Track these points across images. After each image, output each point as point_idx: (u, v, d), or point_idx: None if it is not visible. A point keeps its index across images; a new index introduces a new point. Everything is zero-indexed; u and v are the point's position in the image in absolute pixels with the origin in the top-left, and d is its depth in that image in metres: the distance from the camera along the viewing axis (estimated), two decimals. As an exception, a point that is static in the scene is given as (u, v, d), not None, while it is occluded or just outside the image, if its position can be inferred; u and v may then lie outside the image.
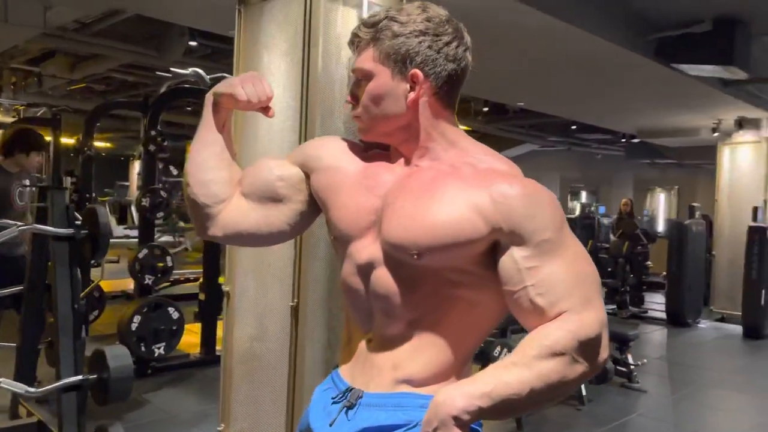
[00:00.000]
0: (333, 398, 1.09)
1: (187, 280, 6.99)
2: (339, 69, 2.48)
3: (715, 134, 8.14)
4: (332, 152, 1.17)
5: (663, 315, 7.61)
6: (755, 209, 7.28)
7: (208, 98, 1.17)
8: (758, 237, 6.88)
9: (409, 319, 1.03)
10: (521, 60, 5.47)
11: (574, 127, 10.94)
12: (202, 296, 4.90)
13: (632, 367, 4.80)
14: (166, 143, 4.93)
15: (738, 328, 7.21)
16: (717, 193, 8.10)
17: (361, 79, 1.10)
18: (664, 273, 7.85)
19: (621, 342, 4.81)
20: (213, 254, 4.74)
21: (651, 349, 6.35)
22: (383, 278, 1.05)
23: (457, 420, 0.90)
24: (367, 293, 1.07)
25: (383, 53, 1.07)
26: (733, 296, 7.77)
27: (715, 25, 4.69)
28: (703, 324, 7.49)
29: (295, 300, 2.75)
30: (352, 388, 1.07)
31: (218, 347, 4.22)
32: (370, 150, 1.18)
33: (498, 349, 3.83)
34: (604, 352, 0.98)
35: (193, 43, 6.26)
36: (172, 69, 3.29)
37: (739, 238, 7.66)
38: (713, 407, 4.61)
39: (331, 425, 1.06)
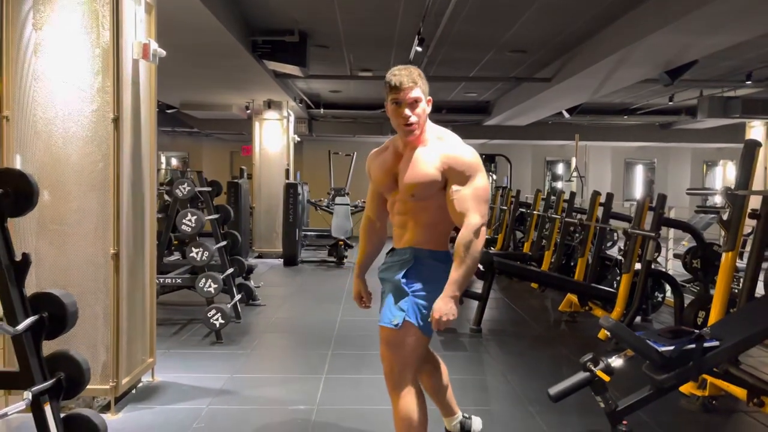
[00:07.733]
0: (387, 253, 2.42)
1: None
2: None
3: (248, 111, 10.25)
4: (370, 164, 2.46)
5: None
6: (294, 171, 9.72)
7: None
8: (292, 191, 9.29)
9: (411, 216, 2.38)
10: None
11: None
12: None
13: (255, 288, 6.37)
14: None
15: (277, 261, 9.59)
16: (254, 158, 10.27)
17: (413, 102, 2.22)
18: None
19: (248, 272, 6.30)
20: None
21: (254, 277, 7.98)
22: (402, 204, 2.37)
23: (453, 299, 2.16)
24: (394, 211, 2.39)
25: (422, 90, 2.24)
26: (270, 238, 10.19)
27: (300, 36, 6.54)
28: (251, 260, 9.58)
29: (116, 248, 3.25)
30: (393, 248, 2.39)
31: None
32: (385, 151, 2.41)
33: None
34: (482, 229, 2.23)
35: None
36: None
37: (273, 193, 10.06)
38: (310, 302, 6.59)
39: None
